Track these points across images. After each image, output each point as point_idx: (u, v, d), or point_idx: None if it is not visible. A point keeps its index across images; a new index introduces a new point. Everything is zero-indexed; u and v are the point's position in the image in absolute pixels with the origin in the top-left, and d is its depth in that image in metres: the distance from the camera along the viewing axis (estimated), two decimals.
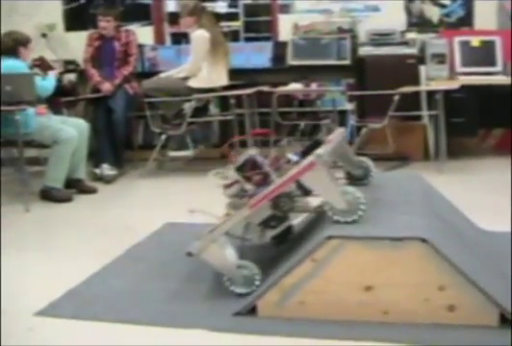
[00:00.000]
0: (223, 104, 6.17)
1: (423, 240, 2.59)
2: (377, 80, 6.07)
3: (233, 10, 7.17)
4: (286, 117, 6.27)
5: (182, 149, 6.11)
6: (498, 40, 6.49)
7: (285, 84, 6.23)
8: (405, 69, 6.20)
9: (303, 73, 6.45)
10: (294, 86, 6.19)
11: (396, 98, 5.52)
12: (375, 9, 6.93)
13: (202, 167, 6.21)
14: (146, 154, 6.18)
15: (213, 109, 6.17)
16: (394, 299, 2.67)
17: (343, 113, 6.07)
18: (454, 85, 5.83)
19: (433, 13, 6.97)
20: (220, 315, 2.82)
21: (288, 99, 6.40)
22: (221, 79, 6.02)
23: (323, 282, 2.70)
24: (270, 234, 3.09)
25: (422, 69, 6.17)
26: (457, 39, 6.51)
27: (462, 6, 6.90)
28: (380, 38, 6.53)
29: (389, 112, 5.55)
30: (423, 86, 5.95)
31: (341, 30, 6.72)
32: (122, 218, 4.59)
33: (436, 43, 6.44)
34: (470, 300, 2.62)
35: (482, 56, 6.52)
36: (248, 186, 3.10)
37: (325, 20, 6.85)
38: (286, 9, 7.08)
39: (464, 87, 5.86)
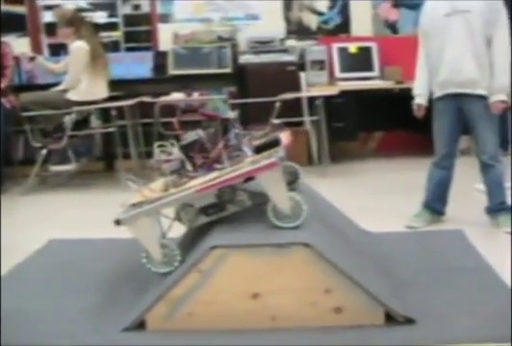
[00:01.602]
0: (105, 116, 6.06)
1: (307, 245, 2.62)
2: (259, 87, 6.13)
3: (112, 19, 7.08)
4: (168, 127, 6.20)
5: (64, 163, 5.94)
6: (374, 46, 6.69)
7: (167, 93, 6.18)
8: (286, 76, 6.28)
9: (185, 82, 6.42)
10: (176, 96, 6.16)
11: (278, 105, 5.59)
12: (255, 17, 7.01)
13: (86, 181, 6.13)
14: (27, 169, 5.98)
15: (94, 121, 6.05)
16: (281, 305, 2.68)
17: (226, 122, 6.07)
18: (334, 90, 5.96)
19: (311, 21, 7.10)
20: (109, 332, 2.76)
21: (170, 109, 6.35)
22: (102, 91, 5.91)
23: (211, 292, 2.69)
24: (204, 220, 2.98)
25: (303, 76, 6.27)
26: (335, 46, 6.66)
27: (339, 13, 7.07)
28: (260, 46, 6.61)
29: (271, 119, 5.60)
30: (304, 93, 6.04)
31: (221, 38, 6.75)
32: (3, 237, 4.41)
33: (315, 50, 6.57)
34: (355, 301, 2.68)
35: (360, 61, 6.70)
36: (189, 167, 3.03)
37: (205, 29, 6.86)
38: (166, 18, 7.06)
39: (343, 93, 5.99)
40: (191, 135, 3.14)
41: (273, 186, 2.84)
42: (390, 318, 2.69)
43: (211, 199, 2.93)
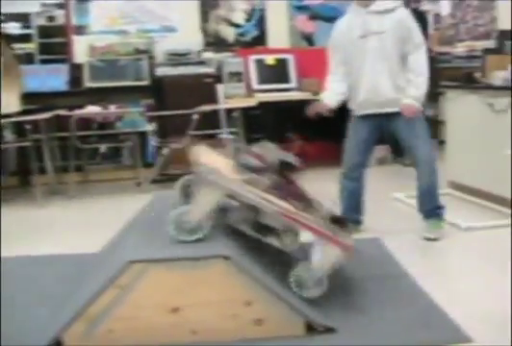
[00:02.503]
0: (19, 130, 5.92)
1: (226, 258, 2.61)
2: (176, 99, 6.10)
3: (26, 31, 6.95)
4: (85, 141, 6.11)
5: None
6: (291, 58, 6.75)
7: (82, 107, 6.09)
8: (203, 88, 6.27)
9: (101, 95, 6.34)
10: (93, 109, 6.07)
11: (196, 117, 5.57)
12: (172, 29, 7.00)
13: (1, 197, 5.94)
14: None
15: (8, 135, 5.89)
16: (201, 318, 2.66)
17: (143, 135, 6.04)
18: (251, 102, 5.99)
19: (228, 33, 7.14)
20: None
21: (86, 122, 6.25)
22: (15, 104, 5.76)
23: (130, 307, 2.64)
24: (243, 229, 3.02)
25: (220, 88, 6.27)
26: (252, 58, 6.70)
27: (256, 26, 7.13)
28: (177, 58, 6.59)
29: (189, 132, 5.59)
30: (221, 105, 6.04)
31: (138, 51, 6.71)
32: None
33: (232, 62, 6.60)
34: (276, 312, 2.68)
35: (277, 73, 6.75)
36: (268, 178, 3.03)
37: (122, 41, 6.80)
38: (81, 30, 6.96)
39: (261, 104, 6.03)
40: (289, 156, 3.23)
41: (327, 261, 2.88)
42: (311, 328, 2.71)
43: (276, 224, 3.00)
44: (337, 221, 3.05)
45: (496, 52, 7.67)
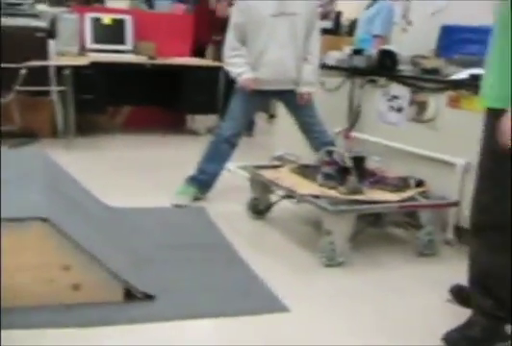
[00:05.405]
0: None
1: (44, 220, 2.51)
2: (3, 52, 5.76)
3: None
4: None
5: None
6: (128, 19, 6.59)
7: None
8: (34, 43, 5.97)
9: None
10: None
11: (24, 72, 5.31)
12: None
13: None
14: None
15: None
16: (17, 282, 2.55)
17: None
18: (84, 61, 5.80)
19: None
20: None
21: None
22: None
23: None
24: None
25: (52, 44, 6.01)
26: (89, 16, 6.48)
27: None
28: (9, 8, 6.23)
29: (15, 87, 5.32)
30: (52, 61, 5.79)
31: None
32: None
33: (67, 18, 6.32)
34: (94, 278, 2.62)
35: (113, 34, 6.58)
36: (353, 177, 3.40)
37: None
38: None
39: (94, 64, 5.85)
40: (359, 151, 3.70)
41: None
42: (129, 295, 2.68)
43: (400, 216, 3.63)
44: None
45: (332, 33, 7.95)
